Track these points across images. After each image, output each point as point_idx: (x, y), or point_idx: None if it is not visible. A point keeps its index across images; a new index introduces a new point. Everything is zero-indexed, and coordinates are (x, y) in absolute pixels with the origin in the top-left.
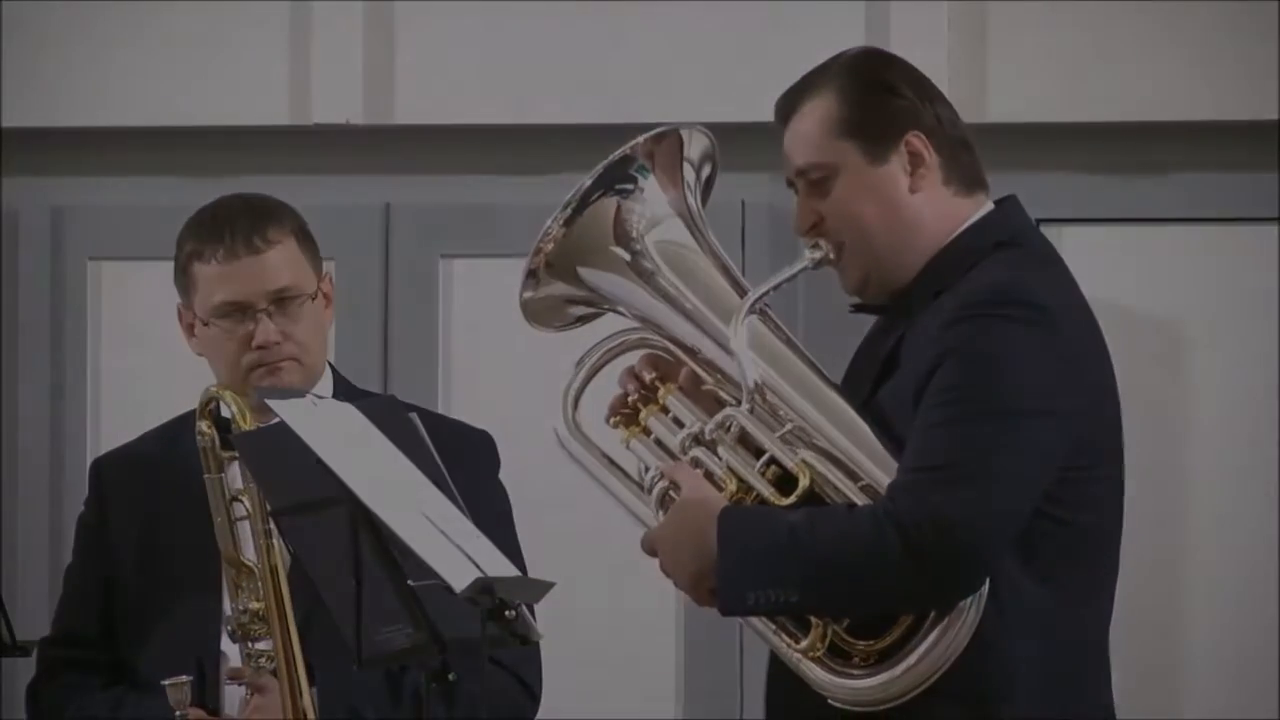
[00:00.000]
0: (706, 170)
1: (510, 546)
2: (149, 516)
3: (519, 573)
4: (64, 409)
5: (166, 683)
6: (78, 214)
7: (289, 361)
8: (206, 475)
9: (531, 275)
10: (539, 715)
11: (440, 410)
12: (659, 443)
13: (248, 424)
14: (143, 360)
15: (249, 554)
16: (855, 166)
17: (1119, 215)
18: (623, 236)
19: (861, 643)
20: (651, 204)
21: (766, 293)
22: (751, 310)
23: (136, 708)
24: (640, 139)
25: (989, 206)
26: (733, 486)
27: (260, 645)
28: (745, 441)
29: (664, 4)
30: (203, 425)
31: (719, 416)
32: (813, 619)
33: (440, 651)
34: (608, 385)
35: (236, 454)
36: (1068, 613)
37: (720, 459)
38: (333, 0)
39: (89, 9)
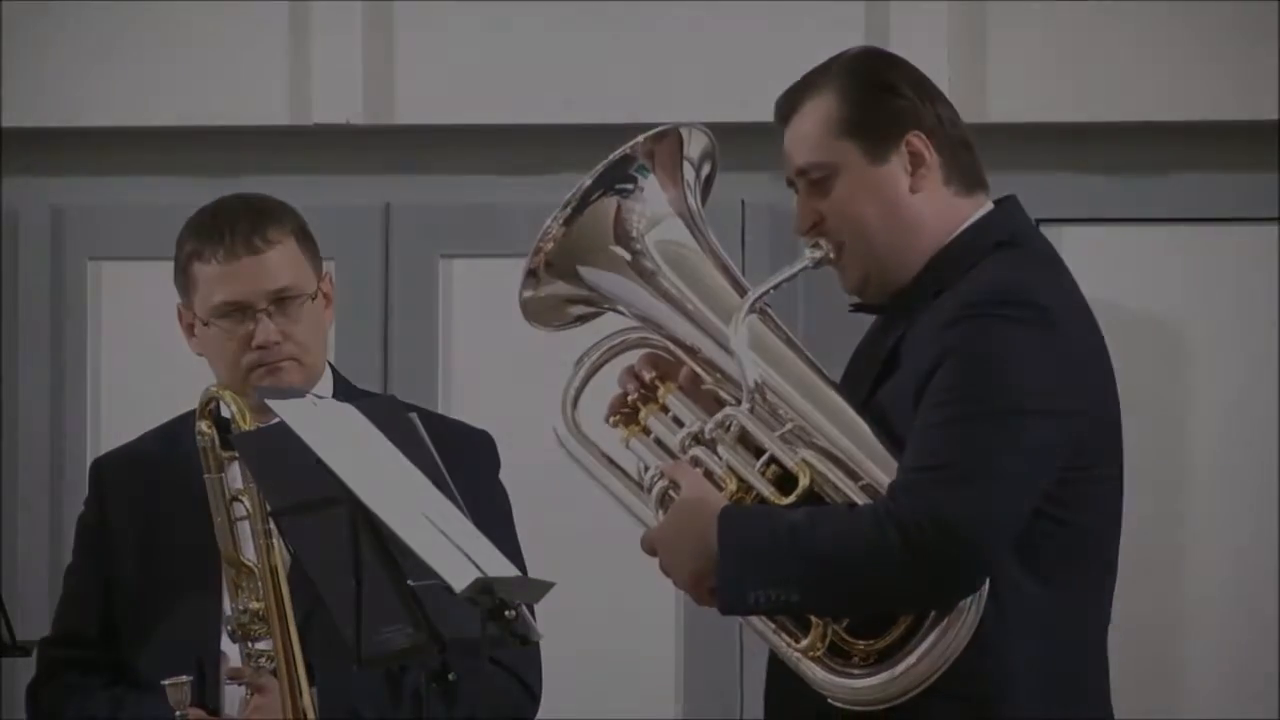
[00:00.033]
0: (706, 169)
1: (510, 546)
2: (149, 516)
3: (519, 573)
4: (64, 409)
5: (166, 683)
6: (78, 214)
7: (289, 361)
8: (206, 475)
9: (531, 275)
10: (539, 715)
11: (440, 410)
12: (659, 442)
13: (248, 424)
14: (143, 360)
15: (249, 554)
16: (856, 166)
17: (1119, 215)
18: (623, 236)
19: (861, 642)
20: (651, 203)
21: (766, 292)
22: (751, 309)
23: (136, 708)
24: (640, 138)
25: (989, 206)
26: (733, 486)
27: (260, 645)
28: (745, 441)
29: (664, 4)
30: (203, 425)
31: (719, 416)
32: (812, 618)
33: (440, 651)
34: (608, 385)
35: (236, 454)
36: (1067, 613)
37: (720, 458)
38: (333, 0)
39: (89, 9)
